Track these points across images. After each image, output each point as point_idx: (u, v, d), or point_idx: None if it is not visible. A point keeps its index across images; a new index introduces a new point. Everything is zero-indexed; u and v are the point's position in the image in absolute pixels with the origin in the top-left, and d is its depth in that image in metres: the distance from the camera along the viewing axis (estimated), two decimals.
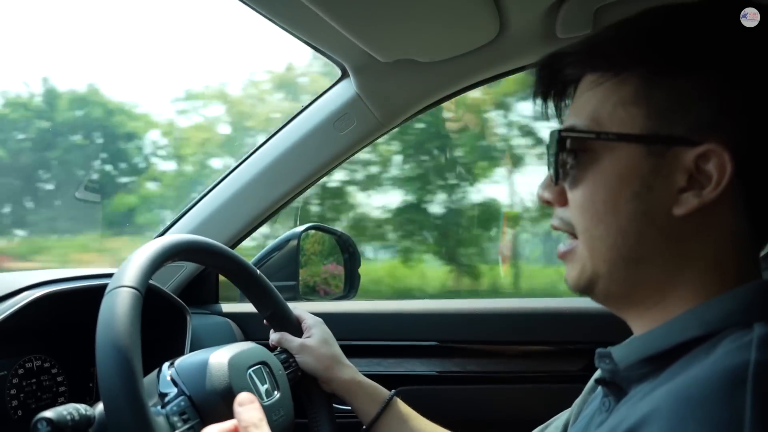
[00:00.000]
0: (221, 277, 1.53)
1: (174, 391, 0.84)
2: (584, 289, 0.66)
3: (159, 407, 0.81)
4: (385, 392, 1.08)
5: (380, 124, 1.34)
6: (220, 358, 0.88)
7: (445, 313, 1.44)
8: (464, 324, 1.43)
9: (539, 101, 0.70)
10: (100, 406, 0.75)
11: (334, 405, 1.12)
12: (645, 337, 0.63)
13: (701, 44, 0.60)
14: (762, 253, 0.66)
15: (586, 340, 1.37)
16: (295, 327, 1.12)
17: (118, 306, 0.76)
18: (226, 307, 1.51)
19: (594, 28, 1.11)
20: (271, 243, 1.58)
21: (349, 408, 1.09)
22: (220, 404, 0.83)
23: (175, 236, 0.92)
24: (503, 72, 1.28)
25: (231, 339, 1.40)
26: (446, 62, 1.23)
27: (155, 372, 0.88)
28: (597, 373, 0.73)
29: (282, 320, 1.11)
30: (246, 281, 1.06)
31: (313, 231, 1.69)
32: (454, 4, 1.04)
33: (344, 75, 1.32)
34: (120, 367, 0.72)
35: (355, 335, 1.42)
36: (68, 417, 0.72)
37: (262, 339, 1.10)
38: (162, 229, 1.51)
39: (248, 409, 0.65)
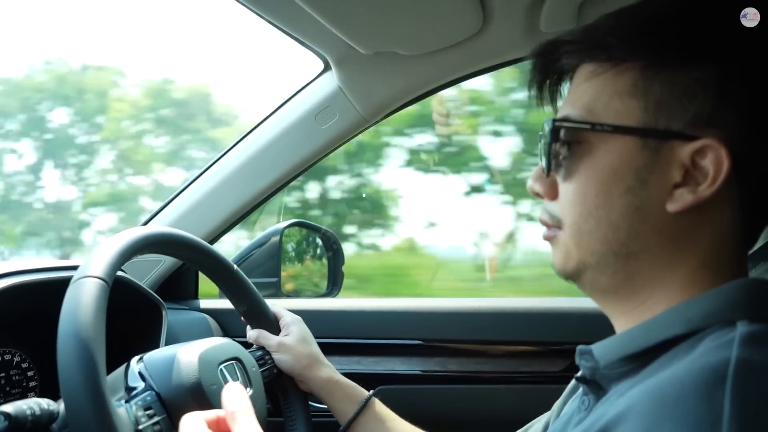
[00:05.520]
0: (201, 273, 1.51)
1: (141, 385, 0.82)
2: (570, 275, 0.65)
3: (123, 401, 0.79)
4: (363, 392, 1.06)
5: (362, 118, 1.33)
6: (190, 353, 0.86)
7: (428, 311, 1.42)
8: (448, 323, 1.41)
9: (534, 90, 0.68)
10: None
11: (310, 404, 1.10)
12: (626, 335, 0.62)
13: (702, 37, 0.58)
14: (749, 252, 0.65)
15: (569, 341, 1.35)
16: (272, 324, 1.10)
17: (83, 296, 0.74)
18: (205, 303, 1.49)
19: (578, 23, 1.10)
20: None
21: (326, 407, 1.07)
22: (189, 400, 0.81)
23: (146, 228, 0.89)
24: (487, 67, 1.26)
25: (208, 335, 1.36)
26: (429, 56, 1.22)
27: (123, 366, 0.86)
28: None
29: (259, 317, 1.09)
30: (221, 275, 1.04)
31: (296, 227, 1.67)
32: None
33: (326, 68, 1.31)
34: (81, 358, 0.69)
35: (336, 333, 1.40)
36: (28, 412, 0.70)
37: (241, 336, 1.09)
38: (142, 221, 1.48)
39: (236, 396, 0.63)
